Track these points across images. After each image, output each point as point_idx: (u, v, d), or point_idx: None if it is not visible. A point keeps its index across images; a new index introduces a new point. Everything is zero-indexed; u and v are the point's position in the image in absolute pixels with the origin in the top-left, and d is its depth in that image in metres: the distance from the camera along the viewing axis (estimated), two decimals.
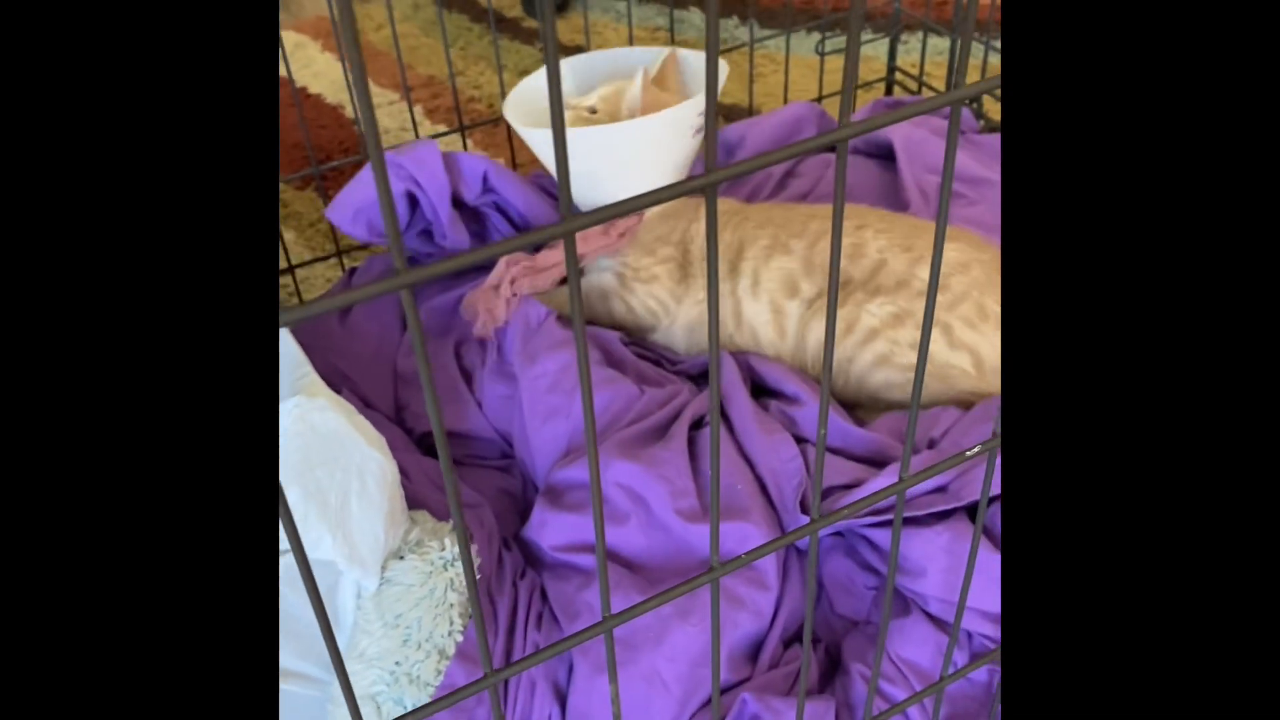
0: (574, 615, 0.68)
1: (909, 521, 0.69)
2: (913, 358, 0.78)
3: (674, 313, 0.88)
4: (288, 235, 1.28)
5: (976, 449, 0.45)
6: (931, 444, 0.74)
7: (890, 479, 0.69)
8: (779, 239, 0.86)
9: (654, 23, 1.66)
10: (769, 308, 0.84)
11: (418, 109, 1.53)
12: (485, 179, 0.91)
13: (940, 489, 0.69)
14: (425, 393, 0.30)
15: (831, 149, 1.07)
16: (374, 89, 1.60)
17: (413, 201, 0.89)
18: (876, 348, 0.80)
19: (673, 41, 1.45)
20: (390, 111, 1.53)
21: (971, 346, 0.79)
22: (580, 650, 0.65)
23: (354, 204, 0.90)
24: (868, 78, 1.35)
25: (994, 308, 0.80)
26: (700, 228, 0.89)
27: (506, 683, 0.65)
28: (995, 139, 1.06)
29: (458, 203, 0.90)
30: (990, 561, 0.64)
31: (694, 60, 0.96)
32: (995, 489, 0.68)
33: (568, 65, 0.98)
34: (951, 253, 0.82)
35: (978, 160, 1.00)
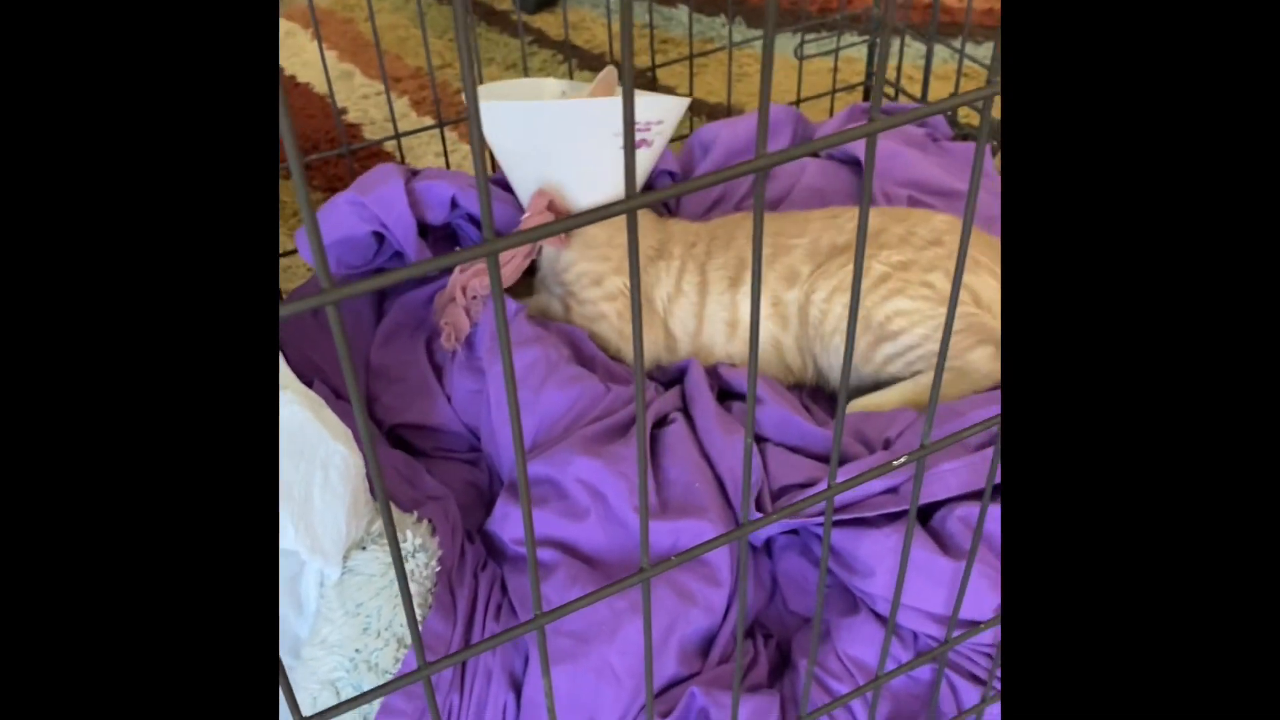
0: (528, 606, 0.70)
1: (860, 522, 0.71)
2: (923, 291, 0.82)
3: (625, 352, 0.90)
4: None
5: (903, 459, 0.47)
6: (887, 444, 0.76)
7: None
8: (779, 243, 0.89)
9: (641, 19, 1.67)
10: (769, 303, 0.87)
11: (405, 100, 1.55)
12: (453, 201, 0.93)
13: (892, 490, 0.71)
14: (353, 401, 0.32)
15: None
16: (361, 80, 1.61)
17: (380, 236, 0.91)
18: (890, 285, 0.83)
19: (652, 39, 1.46)
20: (377, 102, 1.54)
21: (970, 285, 0.83)
22: (534, 642, 0.67)
23: (348, 224, 0.91)
24: (850, 80, 1.36)
25: (984, 260, 0.86)
26: (666, 267, 0.91)
27: (464, 671, 0.67)
28: (968, 147, 1.08)
29: (426, 228, 0.92)
30: (935, 564, 0.66)
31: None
32: (945, 493, 0.70)
33: (495, 87, 0.99)
34: (939, 219, 0.88)
35: (946, 170, 1.02)
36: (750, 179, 1.06)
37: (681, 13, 1.70)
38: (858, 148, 1.03)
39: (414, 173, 0.94)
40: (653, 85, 1.42)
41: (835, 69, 1.24)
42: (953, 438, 0.48)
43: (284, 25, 1.79)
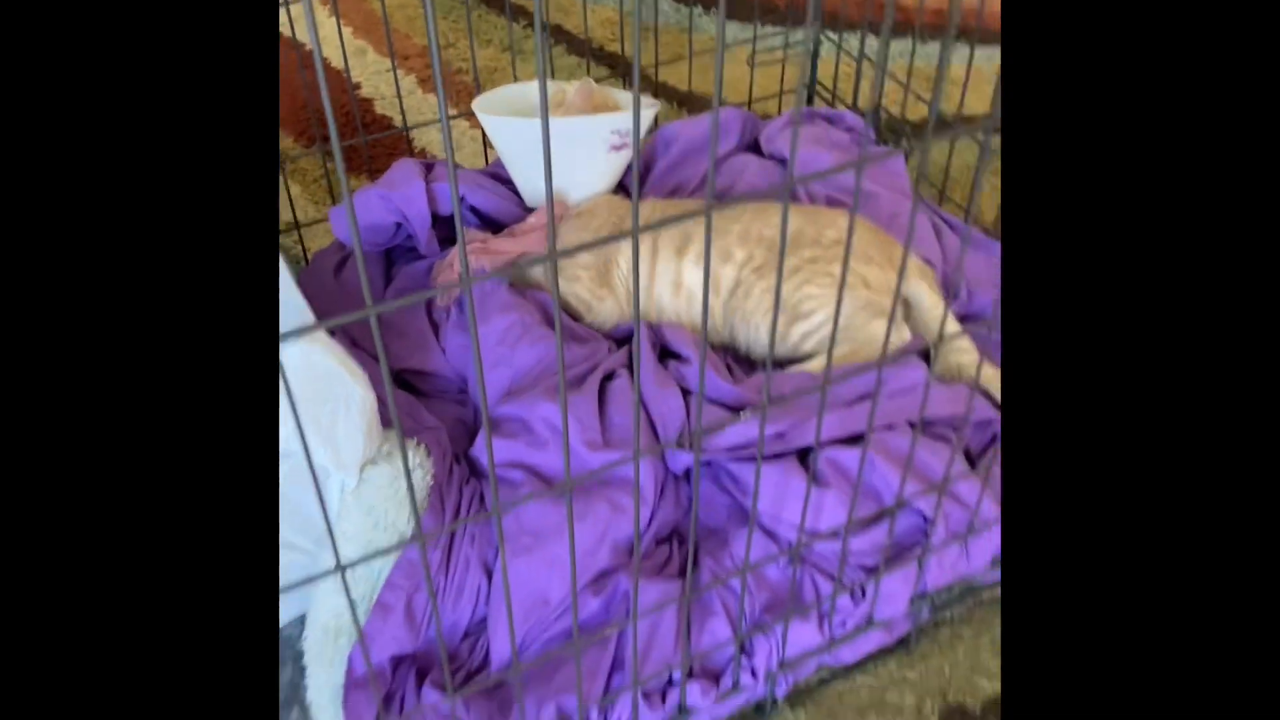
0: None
1: (754, 458, 0.92)
2: (828, 280, 1.04)
3: (595, 309, 1.11)
4: (294, 189, 1.49)
5: (747, 412, 0.68)
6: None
7: (745, 429, 0.92)
8: (719, 226, 1.10)
9: (627, 5, 1.85)
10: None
11: (411, 78, 1.73)
12: (462, 198, 1.14)
13: (780, 435, 0.93)
14: (379, 357, 0.53)
15: (754, 148, 1.30)
16: (373, 58, 1.79)
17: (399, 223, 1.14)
18: (802, 275, 1.05)
19: (639, 25, 1.65)
20: (389, 79, 1.73)
21: (862, 274, 1.05)
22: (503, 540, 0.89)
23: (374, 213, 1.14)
24: (774, 87, 1.54)
25: (876, 256, 1.06)
26: (624, 241, 1.12)
27: (449, 557, 0.89)
28: (880, 150, 1.28)
29: (437, 218, 1.14)
30: (800, 488, 0.88)
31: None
32: (810, 439, 0.92)
33: (489, 97, 1.20)
34: (844, 221, 1.10)
35: (866, 175, 1.22)
36: (697, 179, 1.26)
37: (664, 2, 1.88)
38: (785, 151, 1.24)
39: (429, 168, 1.15)
40: (630, 72, 1.62)
41: (783, 73, 1.44)
42: (790, 398, 0.69)
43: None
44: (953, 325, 1.05)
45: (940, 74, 0.52)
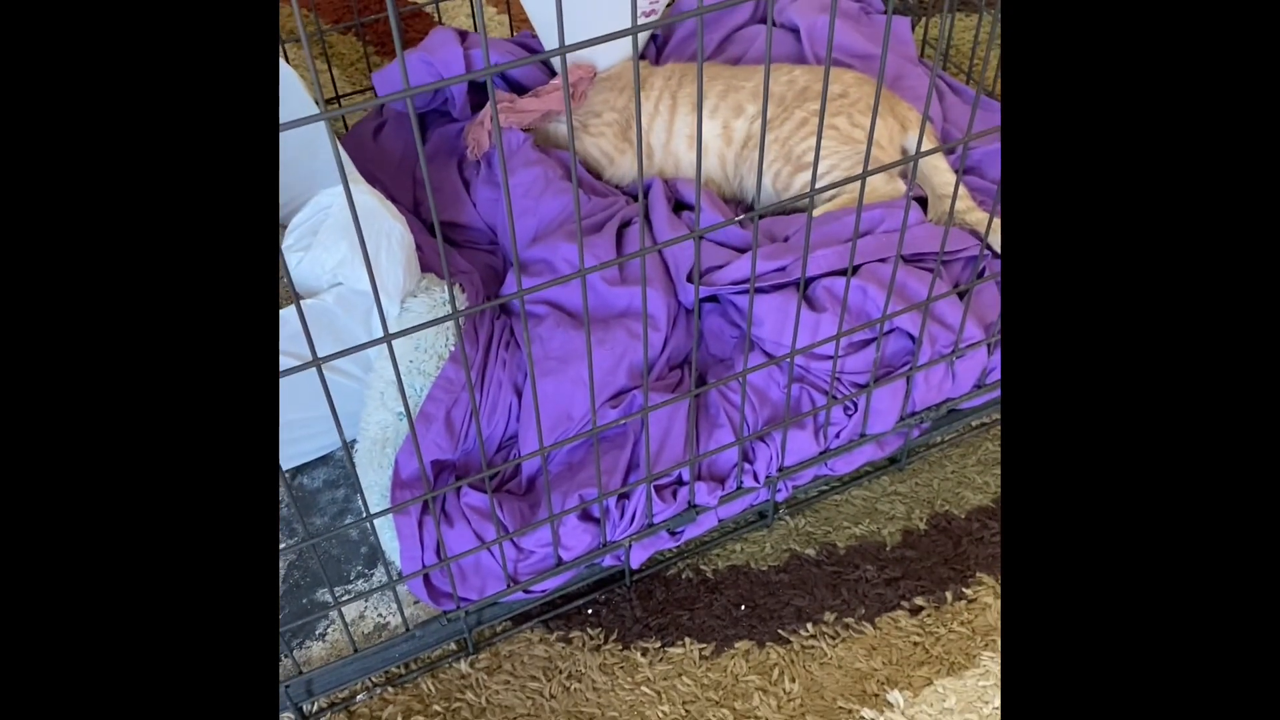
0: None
1: (759, 290, 1.01)
2: (830, 132, 1.11)
3: (617, 162, 1.19)
4: (335, 71, 1.58)
5: (740, 217, 0.76)
6: (786, 239, 1.06)
7: (746, 264, 1.01)
8: (732, 84, 1.18)
9: None
10: (720, 125, 1.16)
11: None
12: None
13: (781, 268, 1.01)
14: (427, 189, 0.62)
15: (761, 20, 1.36)
16: None
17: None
18: (807, 128, 1.13)
19: None
20: None
21: (863, 125, 1.13)
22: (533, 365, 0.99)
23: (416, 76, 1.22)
24: None
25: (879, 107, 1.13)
26: (647, 95, 1.20)
27: (484, 379, 0.99)
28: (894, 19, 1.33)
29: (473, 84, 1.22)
30: (805, 316, 0.97)
31: None
32: (817, 270, 1.00)
33: None
34: (849, 76, 1.18)
35: (867, 37, 1.29)
36: (712, 47, 1.33)
37: None
38: (798, 20, 1.30)
39: (464, 36, 1.23)
40: None
41: None
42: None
43: None
44: (946, 176, 1.13)
45: None
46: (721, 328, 1.05)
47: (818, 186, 1.11)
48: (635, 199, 1.17)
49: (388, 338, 0.68)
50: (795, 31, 1.32)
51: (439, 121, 1.25)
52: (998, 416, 1.10)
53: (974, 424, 1.10)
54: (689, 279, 1.04)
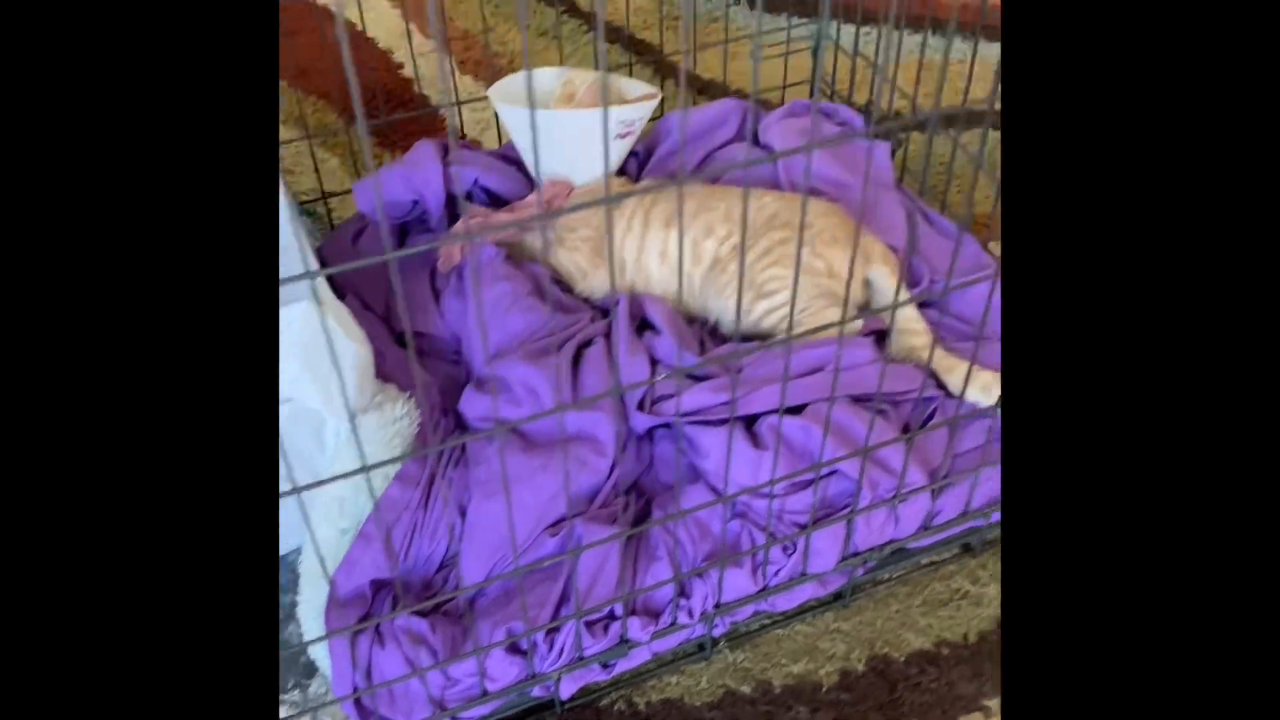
0: (475, 461, 1.03)
1: (707, 422, 1.02)
2: (793, 257, 1.12)
3: (589, 276, 1.21)
4: (332, 161, 1.62)
5: (663, 375, 0.77)
6: (740, 371, 1.07)
7: (698, 396, 1.02)
8: (705, 204, 1.19)
9: None
10: (689, 244, 1.18)
11: (451, 59, 1.85)
12: (475, 180, 1.26)
13: (726, 403, 1.02)
14: (402, 317, 0.63)
15: (735, 140, 1.38)
16: (419, 39, 1.91)
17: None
18: (772, 256, 1.14)
19: (661, 17, 1.74)
20: (430, 59, 1.84)
21: (828, 259, 1.13)
22: (475, 482, 1.00)
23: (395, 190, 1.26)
24: (796, 78, 1.62)
25: (843, 238, 1.15)
26: (621, 212, 1.22)
27: (428, 497, 1.01)
28: (873, 145, 1.35)
29: (452, 197, 1.26)
30: (745, 451, 0.97)
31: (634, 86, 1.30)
32: (762, 408, 1.01)
33: (503, 84, 1.31)
34: (819, 207, 1.18)
35: (845, 165, 1.31)
36: (697, 159, 1.35)
37: None
38: (776, 145, 1.32)
39: (447, 149, 1.26)
40: (660, 60, 1.72)
41: (785, 68, 1.52)
42: (706, 361, 0.79)
43: None
44: (909, 311, 1.13)
45: (893, 68, 0.59)
46: (672, 454, 1.06)
47: (775, 317, 1.13)
48: (605, 313, 1.19)
49: (366, 469, 0.69)
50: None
51: (418, 229, 1.28)
52: (947, 556, 1.09)
53: (923, 562, 1.09)
54: (639, 407, 1.05)
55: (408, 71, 1.82)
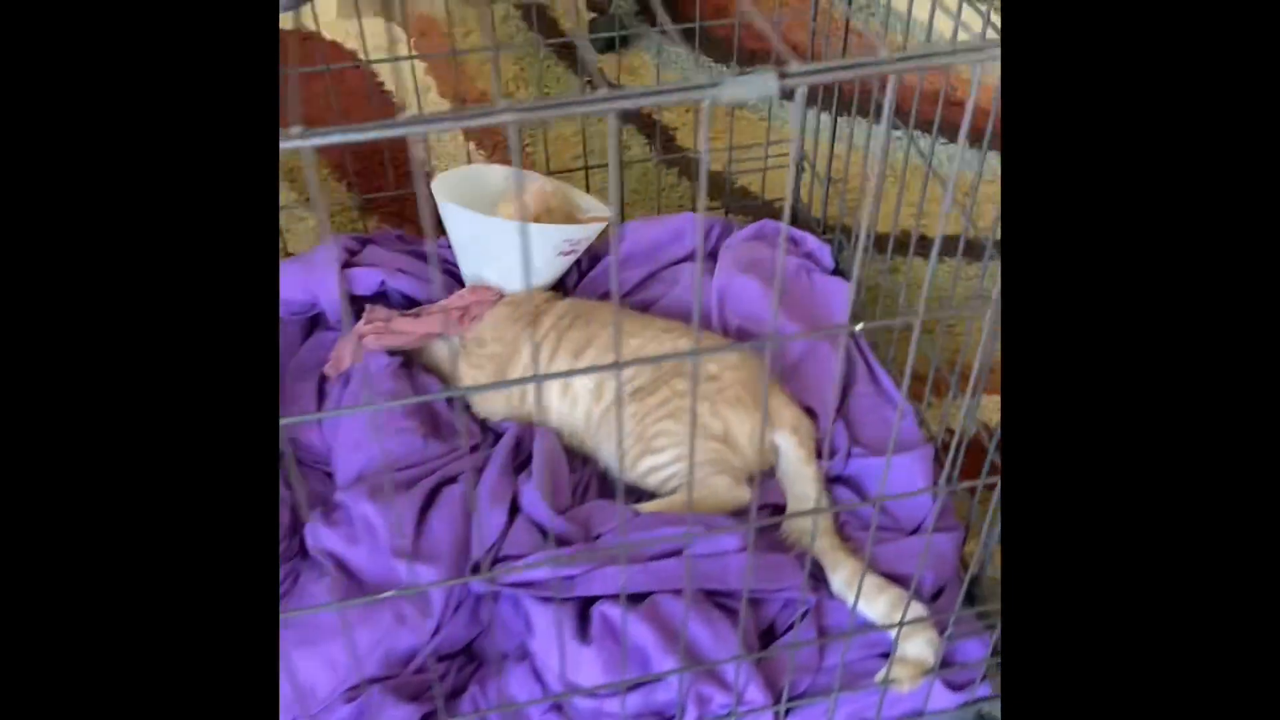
0: (300, 595, 0.96)
1: (547, 599, 0.92)
2: (688, 419, 1.01)
3: (489, 399, 1.13)
4: (291, 195, 1.57)
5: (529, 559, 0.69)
6: (598, 537, 0.97)
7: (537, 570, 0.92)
8: (622, 334, 1.10)
9: (649, 51, 1.85)
10: (593, 379, 1.08)
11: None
12: (381, 283, 1.21)
13: (570, 578, 0.92)
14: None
15: (690, 257, 1.28)
16: (435, 98, 1.86)
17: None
18: (667, 409, 1.04)
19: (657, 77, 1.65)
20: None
21: (725, 419, 1.03)
22: (284, 625, 0.93)
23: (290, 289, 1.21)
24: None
25: (748, 399, 1.04)
26: (538, 333, 1.14)
27: None
28: (832, 283, 1.23)
29: (356, 298, 1.21)
30: (571, 644, 0.87)
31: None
32: (602, 590, 0.91)
33: (447, 177, 1.24)
34: (729, 358, 1.07)
35: (794, 300, 1.20)
36: (635, 280, 1.26)
37: (684, 51, 1.84)
38: (718, 276, 1.22)
39: (353, 254, 1.21)
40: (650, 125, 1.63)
41: (764, 182, 1.41)
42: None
43: (395, 31, 2.05)
44: (810, 489, 1.01)
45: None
46: (510, 618, 0.97)
47: (659, 476, 1.02)
48: (498, 435, 1.11)
49: None
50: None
51: (321, 325, 1.22)
52: None
53: None
54: (474, 569, 0.96)
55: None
